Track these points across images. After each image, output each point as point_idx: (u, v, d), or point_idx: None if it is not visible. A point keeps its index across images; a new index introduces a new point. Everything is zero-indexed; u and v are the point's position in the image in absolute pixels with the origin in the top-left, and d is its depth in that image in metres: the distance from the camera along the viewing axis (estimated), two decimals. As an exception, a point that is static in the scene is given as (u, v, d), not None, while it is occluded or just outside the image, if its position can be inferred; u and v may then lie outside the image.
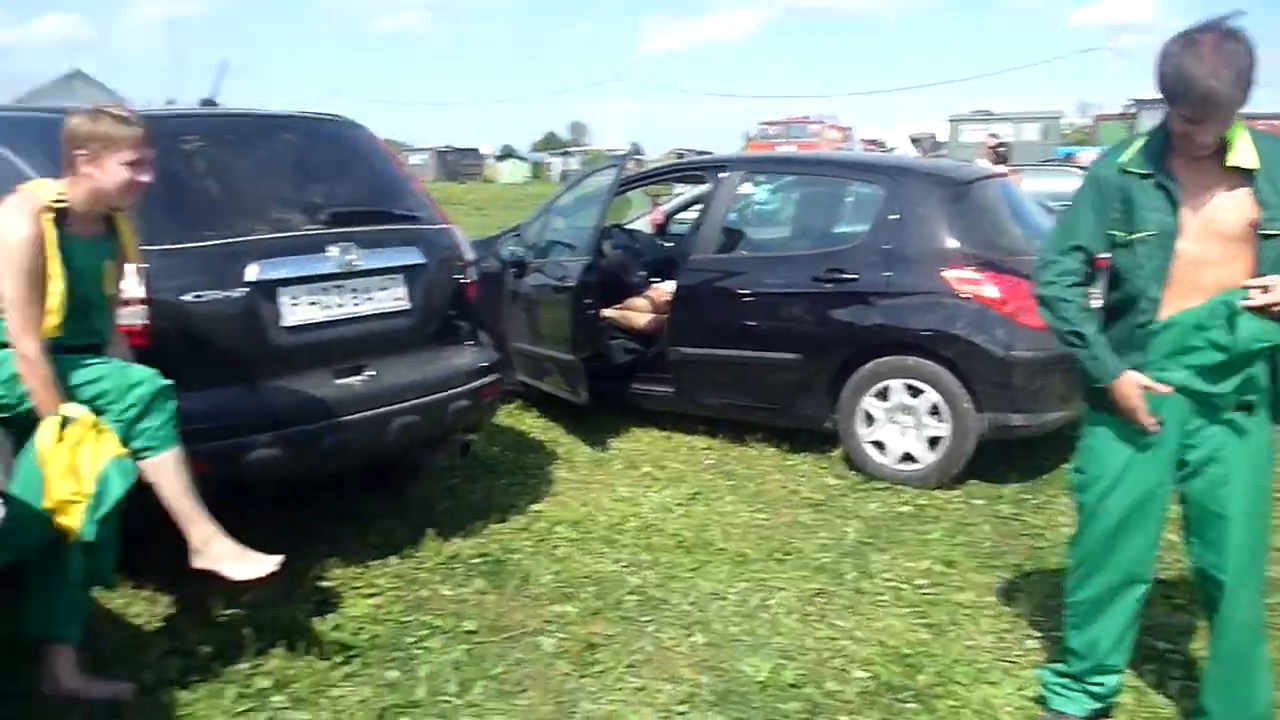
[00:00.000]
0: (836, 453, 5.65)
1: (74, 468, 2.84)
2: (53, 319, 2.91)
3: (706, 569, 4.24)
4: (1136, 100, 28.21)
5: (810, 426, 5.70)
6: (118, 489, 2.87)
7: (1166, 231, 2.64)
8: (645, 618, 3.80)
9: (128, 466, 2.92)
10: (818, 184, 6.63)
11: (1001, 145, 11.05)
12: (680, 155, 39.90)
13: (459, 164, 54.70)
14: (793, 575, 4.19)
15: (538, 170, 59.66)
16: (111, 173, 2.97)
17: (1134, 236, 2.68)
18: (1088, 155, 17.58)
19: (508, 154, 69.45)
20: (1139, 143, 2.76)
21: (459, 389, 4.35)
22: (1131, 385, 2.70)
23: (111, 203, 3.05)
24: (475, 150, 61.54)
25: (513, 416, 6.39)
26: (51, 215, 2.92)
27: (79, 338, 3.06)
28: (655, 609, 3.88)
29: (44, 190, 2.98)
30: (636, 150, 44.00)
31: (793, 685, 3.34)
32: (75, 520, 2.85)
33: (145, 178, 3.02)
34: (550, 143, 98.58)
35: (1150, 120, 20.11)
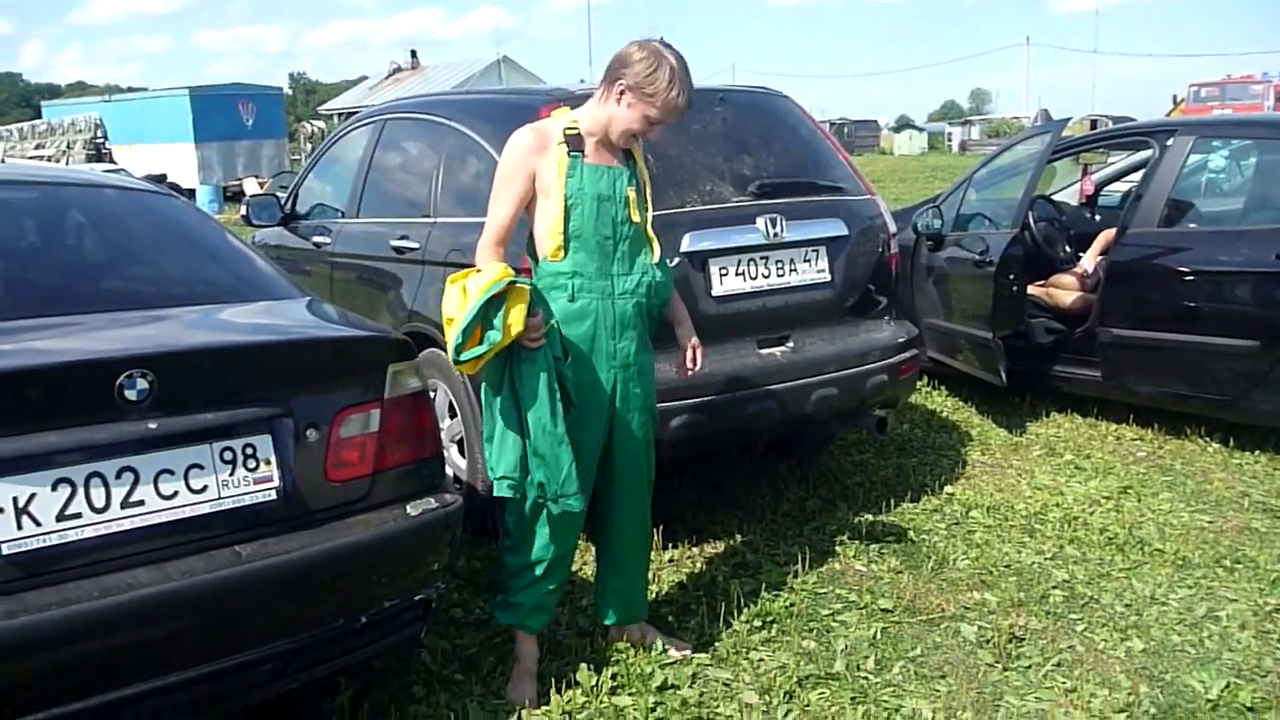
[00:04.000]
0: (1297, 453, 5.02)
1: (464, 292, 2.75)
2: (554, 241, 2.93)
3: (1142, 570, 3.90)
4: None
5: (1266, 423, 5.08)
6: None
7: None
8: (1074, 615, 3.56)
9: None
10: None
11: None
12: (1094, 123, 37.18)
13: (855, 135, 54.14)
14: (1245, 586, 3.76)
15: (935, 141, 57.86)
16: (631, 114, 2.88)
17: None
18: None
19: (904, 125, 67.92)
20: None
21: (877, 363, 4.29)
22: None
23: (612, 135, 2.95)
24: (872, 122, 60.75)
25: (923, 394, 6.22)
26: (563, 140, 2.93)
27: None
28: (1085, 607, 3.62)
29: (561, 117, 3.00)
30: (1048, 118, 41.40)
31: (1250, 709, 2.99)
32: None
33: (652, 136, 3.01)
34: (949, 112, 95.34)
35: None
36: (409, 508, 2.63)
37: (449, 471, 3.69)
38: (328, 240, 5.12)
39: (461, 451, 4.17)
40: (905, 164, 40.05)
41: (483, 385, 2.91)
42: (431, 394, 3.22)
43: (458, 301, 2.71)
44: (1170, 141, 5.57)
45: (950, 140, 56.49)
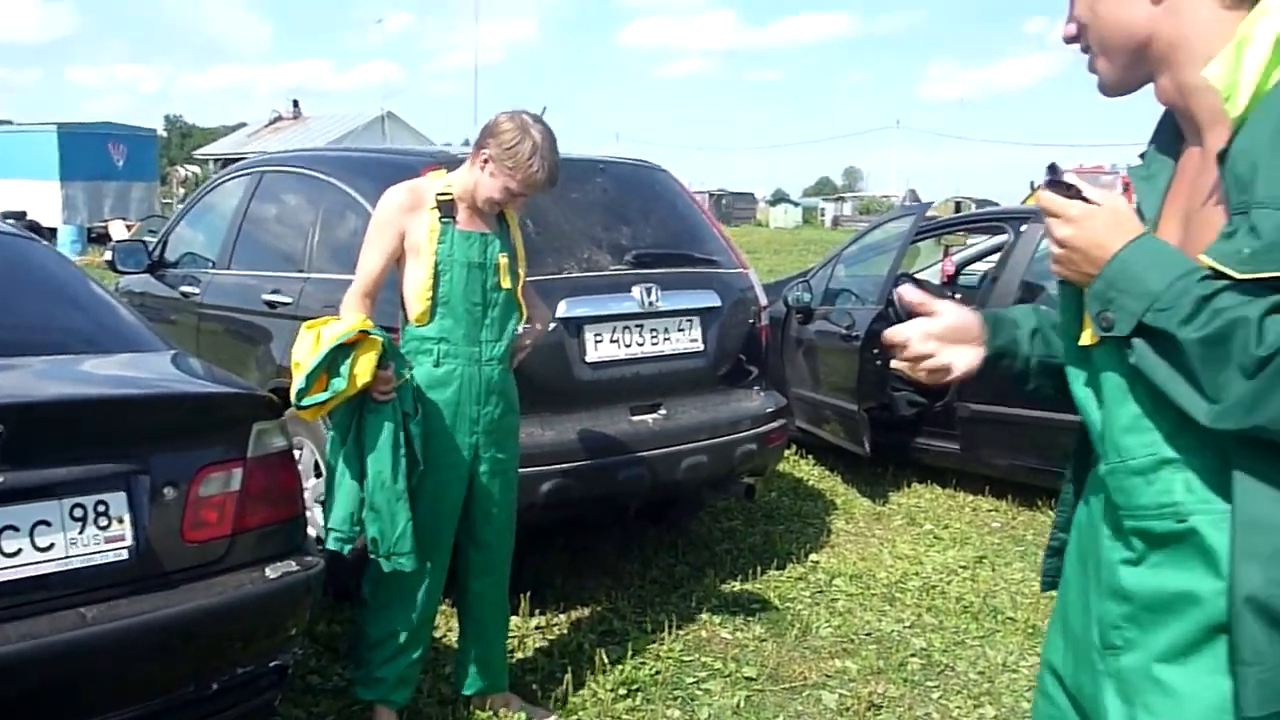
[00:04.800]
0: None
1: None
2: (421, 305, 2.93)
3: (995, 638, 4.04)
4: None
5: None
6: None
7: None
8: (930, 683, 3.66)
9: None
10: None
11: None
12: (958, 205, 38.89)
13: (733, 207, 55.47)
14: (1090, 655, 3.92)
15: (809, 215, 59.66)
16: (492, 181, 2.89)
17: None
18: None
19: (780, 198, 69.88)
20: None
21: (747, 432, 4.37)
22: None
23: (477, 202, 2.96)
24: (750, 194, 62.32)
25: (791, 463, 6.35)
26: (435, 205, 2.93)
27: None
28: (941, 675, 3.73)
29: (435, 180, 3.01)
30: (915, 197, 43.13)
31: (1093, 775, 3.11)
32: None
33: (515, 206, 3.04)
34: (823, 188, 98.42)
35: None
36: (268, 570, 2.56)
37: (311, 532, 3.61)
38: (197, 291, 4.99)
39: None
40: (780, 236, 41.15)
41: (329, 436, 2.88)
42: (297, 452, 3.16)
43: (308, 346, 2.69)
44: (1024, 228, 5.90)
45: (824, 215, 58.39)
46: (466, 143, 5.33)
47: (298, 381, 2.68)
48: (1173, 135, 1.40)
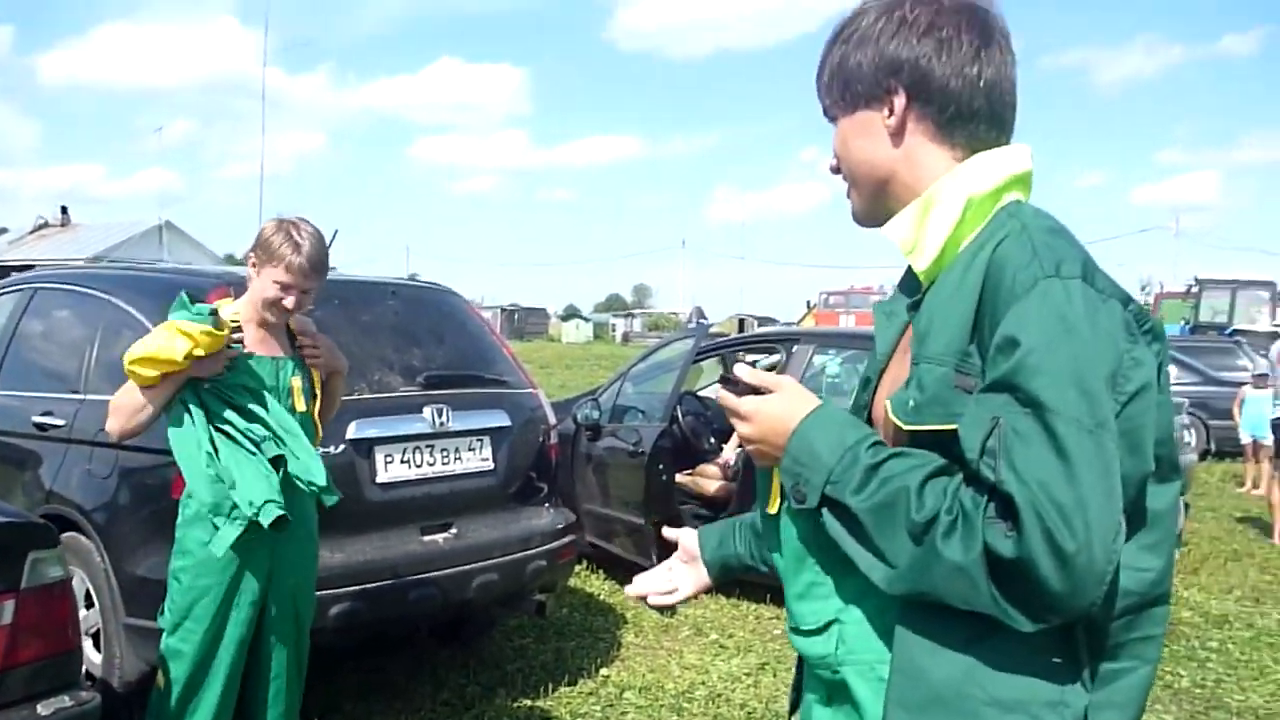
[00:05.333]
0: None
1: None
2: None
3: (776, 742, 4.22)
4: (1199, 279, 28.27)
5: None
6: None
7: None
8: (715, 790, 3.79)
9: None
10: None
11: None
12: (742, 322, 40.60)
13: (525, 322, 55.97)
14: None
15: (600, 330, 60.81)
16: (263, 284, 2.95)
17: None
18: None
19: (572, 314, 71.04)
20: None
21: (537, 549, 4.47)
22: None
23: (261, 314, 3.01)
24: (542, 309, 63.09)
25: (581, 578, 6.45)
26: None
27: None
28: (725, 781, 3.86)
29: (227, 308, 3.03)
30: (701, 315, 44.73)
31: None
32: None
33: (289, 303, 2.97)
34: (613, 304, 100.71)
35: (1214, 300, 19.80)
36: (40, 707, 2.46)
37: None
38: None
39: (97, 645, 3.89)
40: (572, 351, 41.72)
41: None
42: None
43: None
44: (795, 348, 6.33)
45: (614, 330, 59.59)
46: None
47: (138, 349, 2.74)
48: (915, 277, 1.44)
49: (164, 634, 2.91)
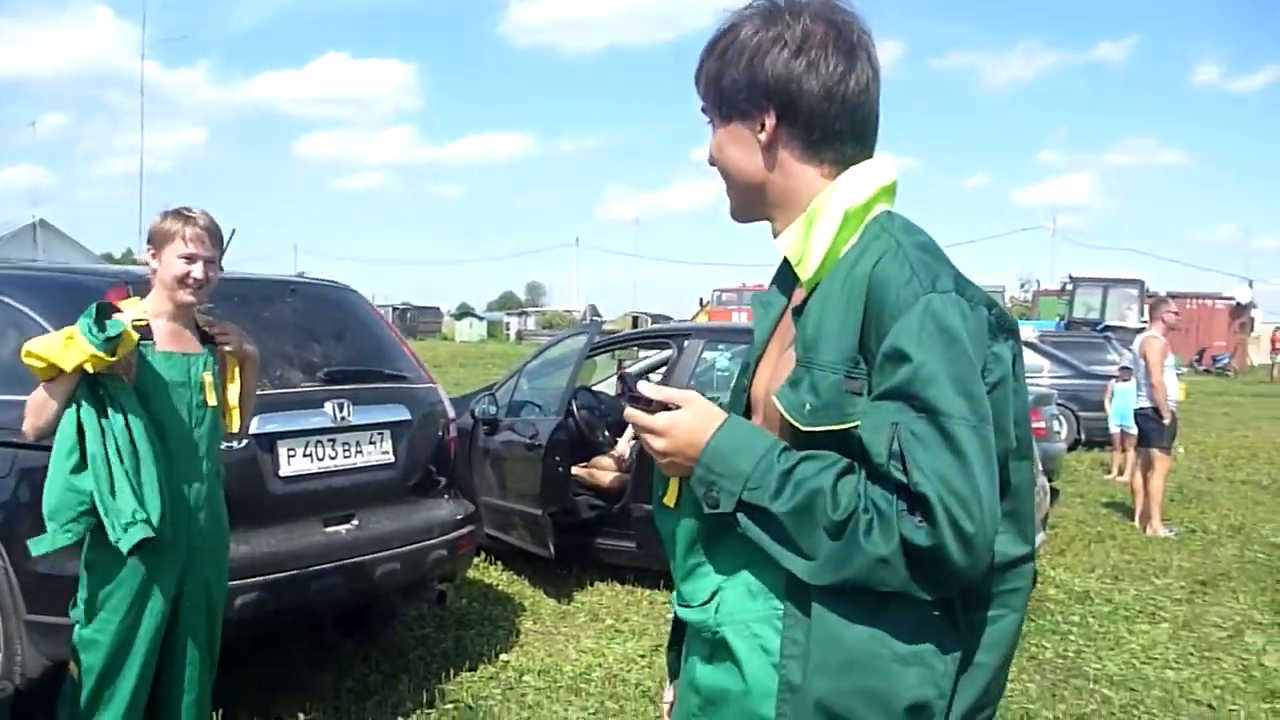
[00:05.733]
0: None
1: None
2: None
3: None
4: (1073, 277, 29.55)
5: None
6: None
7: None
8: (612, 762, 3.98)
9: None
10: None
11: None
12: (636, 319, 40.95)
13: (418, 321, 55.43)
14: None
15: (494, 329, 60.53)
16: (167, 264, 3.04)
17: None
18: (1026, 330, 18.34)
19: (465, 312, 70.49)
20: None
21: (438, 539, 4.60)
22: None
23: (174, 300, 3.07)
24: (435, 309, 62.50)
25: (480, 569, 6.58)
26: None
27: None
28: (622, 754, 4.06)
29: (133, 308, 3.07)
30: (595, 313, 44.91)
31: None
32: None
33: (198, 272, 3.04)
34: (506, 302, 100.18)
35: (1088, 297, 20.76)
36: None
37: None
38: None
39: (-4, 643, 3.90)
40: (466, 349, 41.54)
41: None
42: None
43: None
44: (686, 344, 6.56)
45: (509, 329, 59.38)
46: (129, 252, 5.31)
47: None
48: (789, 272, 1.58)
49: (78, 625, 2.97)
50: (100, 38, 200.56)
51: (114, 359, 2.81)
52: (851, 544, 1.33)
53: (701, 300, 41.58)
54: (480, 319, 65.08)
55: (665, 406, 1.49)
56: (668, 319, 38.36)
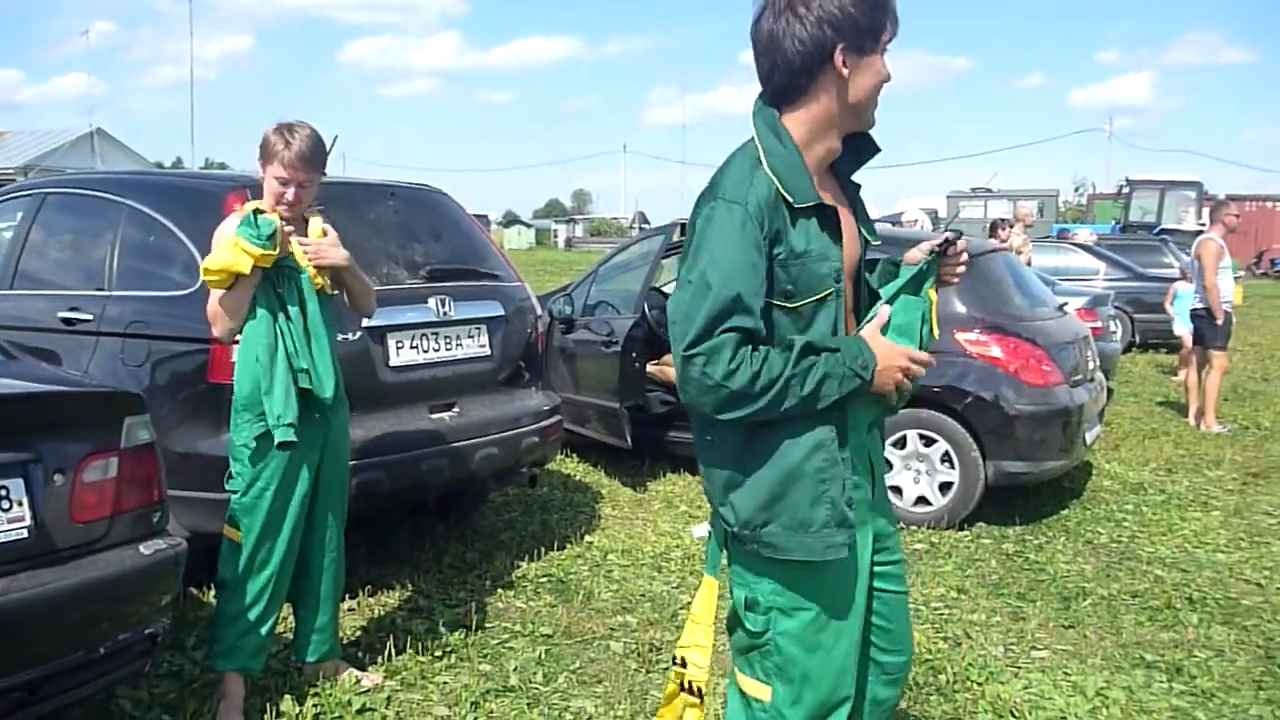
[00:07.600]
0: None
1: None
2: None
3: (747, 591, 4.77)
4: (1130, 180, 29.06)
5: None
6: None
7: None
8: (698, 628, 4.33)
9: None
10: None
11: (1002, 220, 11.83)
12: (682, 226, 40.79)
13: (467, 229, 55.59)
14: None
15: (542, 237, 60.70)
16: (267, 179, 3.31)
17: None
18: (1082, 233, 18.17)
19: (513, 220, 70.60)
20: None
21: (530, 426, 4.93)
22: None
23: (275, 209, 3.30)
24: (484, 216, 62.70)
25: (559, 461, 6.94)
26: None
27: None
28: (706, 621, 4.40)
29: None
30: (644, 219, 44.85)
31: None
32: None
33: (290, 196, 3.29)
34: (553, 209, 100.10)
35: (1144, 200, 20.45)
36: (142, 547, 2.89)
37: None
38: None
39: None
40: (516, 257, 41.25)
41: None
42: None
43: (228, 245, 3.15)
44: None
45: (556, 237, 59.41)
46: (179, 161, 5.60)
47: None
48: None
49: (235, 495, 3.34)
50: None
51: (277, 253, 3.13)
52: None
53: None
54: (528, 226, 65.28)
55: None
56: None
